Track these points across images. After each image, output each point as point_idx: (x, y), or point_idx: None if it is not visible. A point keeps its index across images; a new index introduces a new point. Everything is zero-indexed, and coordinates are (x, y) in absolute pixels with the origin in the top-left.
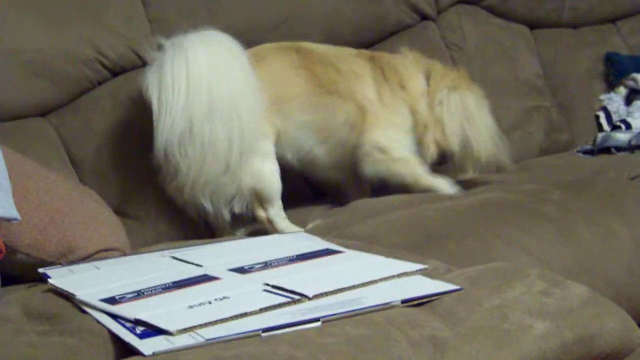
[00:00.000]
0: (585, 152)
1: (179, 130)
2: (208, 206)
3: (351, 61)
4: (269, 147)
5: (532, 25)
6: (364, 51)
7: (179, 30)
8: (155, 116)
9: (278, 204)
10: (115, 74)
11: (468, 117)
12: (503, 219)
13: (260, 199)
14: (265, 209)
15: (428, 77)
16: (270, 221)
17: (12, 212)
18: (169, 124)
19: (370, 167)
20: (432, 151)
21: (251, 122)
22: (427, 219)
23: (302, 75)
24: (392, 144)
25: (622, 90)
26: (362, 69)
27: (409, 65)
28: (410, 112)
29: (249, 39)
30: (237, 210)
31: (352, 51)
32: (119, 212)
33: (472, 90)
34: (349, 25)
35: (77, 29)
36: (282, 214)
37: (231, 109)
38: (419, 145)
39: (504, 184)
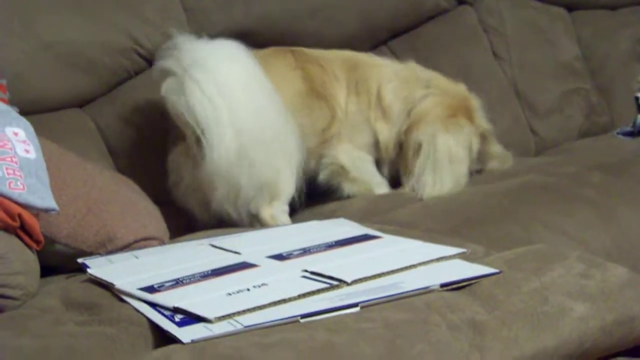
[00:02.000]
0: (625, 134)
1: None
2: (233, 212)
3: (335, 66)
4: (294, 148)
5: (570, 7)
6: (356, 57)
7: (215, 20)
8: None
9: (287, 202)
10: (151, 63)
11: (435, 166)
12: (542, 201)
13: (273, 195)
14: (273, 206)
15: (417, 100)
16: (273, 217)
17: (50, 203)
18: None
19: (326, 177)
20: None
21: (272, 130)
22: (465, 203)
23: (299, 75)
24: (352, 163)
25: None
26: (341, 75)
27: (387, 86)
28: (375, 132)
29: (284, 27)
30: (253, 210)
31: (343, 55)
32: (157, 201)
33: (449, 126)
34: (383, 10)
35: (113, 19)
36: (287, 212)
37: (267, 125)
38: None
39: (543, 167)
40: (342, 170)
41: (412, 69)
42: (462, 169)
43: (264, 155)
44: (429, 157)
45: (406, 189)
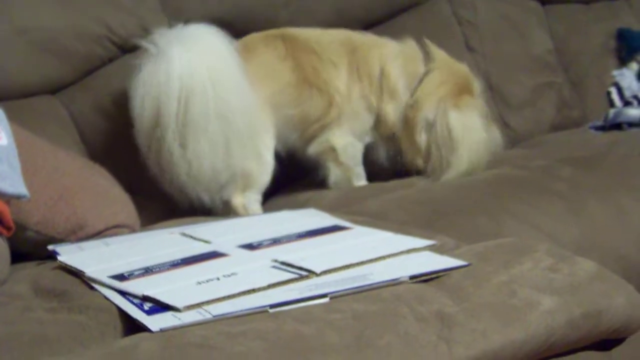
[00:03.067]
0: (596, 128)
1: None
2: (204, 195)
3: (332, 50)
4: (270, 140)
5: (544, 1)
6: (353, 38)
7: (189, 7)
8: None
9: (261, 192)
10: (125, 51)
11: (452, 145)
12: (513, 194)
13: (247, 185)
14: (245, 196)
15: (420, 76)
16: (245, 206)
17: (21, 189)
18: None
19: (315, 152)
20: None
21: (245, 121)
22: (436, 195)
23: (289, 66)
24: (344, 148)
25: (635, 66)
26: (340, 59)
27: (392, 64)
28: (375, 117)
29: (259, 16)
30: (225, 197)
31: (340, 37)
32: (128, 189)
33: (460, 102)
34: (358, 1)
35: (87, 6)
36: (259, 202)
37: (225, 111)
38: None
39: (515, 160)
40: (331, 152)
41: (413, 45)
42: (479, 146)
43: (239, 145)
44: (444, 134)
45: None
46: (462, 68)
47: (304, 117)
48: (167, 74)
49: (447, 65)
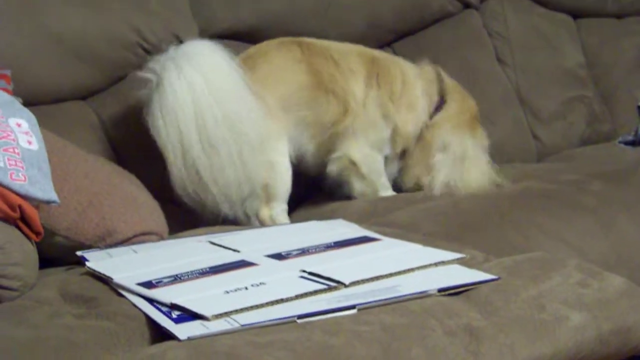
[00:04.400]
0: (626, 143)
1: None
2: (225, 209)
3: (351, 59)
4: (283, 146)
5: (576, 15)
6: (371, 52)
7: (221, 16)
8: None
9: (285, 202)
10: None
11: (464, 168)
12: (542, 208)
13: (269, 196)
14: (271, 207)
15: (435, 102)
16: (272, 218)
17: (51, 195)
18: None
19: (336, 170)
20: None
21: (254, 132)
22: (465, 208)
23: (303, 69)
24: (363, 160)
25: None
26: (359, 68)
27: (414, 81)
28: (392, 129)
29: (290, 26)
30: (248, 210)
31: (357, 49)
32: (157, 196)
33: (475, 133)
34: (390, 12)
35: (118, 12)
36: (286, 212)
37: (232, 128)
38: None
39: (544, 173)
40: (352, 166)
41: (430, 71)
42: (484, 177)
43: (252, 154)
44: (458, 156)
45: (425, 183)
46: (473, 103)
47: (318, 121)
48: (174, 105)
49: (462, 98)
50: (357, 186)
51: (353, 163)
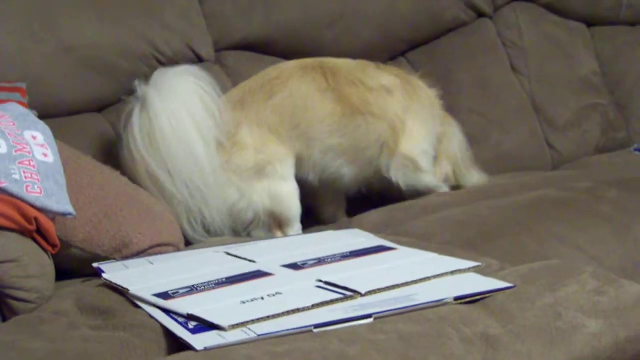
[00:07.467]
0: None
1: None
2: (227, 232)
3: (379, 76)
4: (286, 171)
5: (590, 23)
6: (382, 65)
7: (235, 27)
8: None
9: (298, 225)
10: None
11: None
12: (558, 216)
13: (279, 221)
14: (284, 232)
15: (440, 135)
16: None
17: (67, 207)
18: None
19: (404, 179)
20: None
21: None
22: (481, 217)
23: (330, 98)
24: (421, 156)
25: None
26: (392, 84)
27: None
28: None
29: (304, 36)
30: (255, 234)
31: (372, 64)
32: None
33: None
34: (404, 22)
35: (133, 24)
36: (300, 230)
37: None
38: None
39: (560, 181)
40: (411, 164)
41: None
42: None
43: (210, 188)
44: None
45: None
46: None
47: (354, 145)
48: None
49: (460, 132)
50: (424, 183)
51: (413, 162)
